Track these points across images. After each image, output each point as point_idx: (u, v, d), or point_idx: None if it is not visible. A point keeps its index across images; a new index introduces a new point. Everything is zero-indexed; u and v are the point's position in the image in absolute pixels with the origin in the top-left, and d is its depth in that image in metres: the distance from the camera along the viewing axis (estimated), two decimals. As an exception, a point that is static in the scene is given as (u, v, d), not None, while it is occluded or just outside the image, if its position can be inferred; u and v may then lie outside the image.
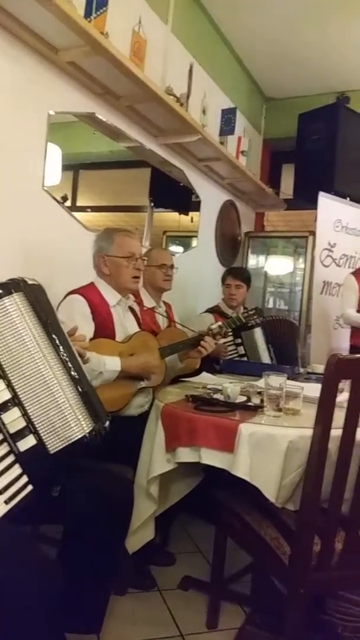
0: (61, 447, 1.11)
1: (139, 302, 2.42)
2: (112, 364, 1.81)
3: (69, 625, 1.43)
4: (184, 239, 3.72)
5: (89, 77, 2.33)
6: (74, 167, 2.52)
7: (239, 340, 2.82)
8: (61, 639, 1.37)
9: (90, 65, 2.24)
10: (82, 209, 2.56)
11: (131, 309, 2.16)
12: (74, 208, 2.46)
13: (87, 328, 1.82)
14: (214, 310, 3.06)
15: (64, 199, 2.36)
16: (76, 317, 1.80)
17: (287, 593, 1.35)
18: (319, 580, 1.34)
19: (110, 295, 2.01)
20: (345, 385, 1.27)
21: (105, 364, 1.78)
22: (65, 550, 1.44)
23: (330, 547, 1.32)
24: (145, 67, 2.50)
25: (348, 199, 4.07)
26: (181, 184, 3.42)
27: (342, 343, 3.77)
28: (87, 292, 1.95)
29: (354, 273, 3.51)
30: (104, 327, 1.92)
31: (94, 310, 1.91)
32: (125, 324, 2.05)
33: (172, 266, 2.58)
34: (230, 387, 1.72)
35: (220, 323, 2.35)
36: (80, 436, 1.13)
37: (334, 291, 3.96)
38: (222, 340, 2.73)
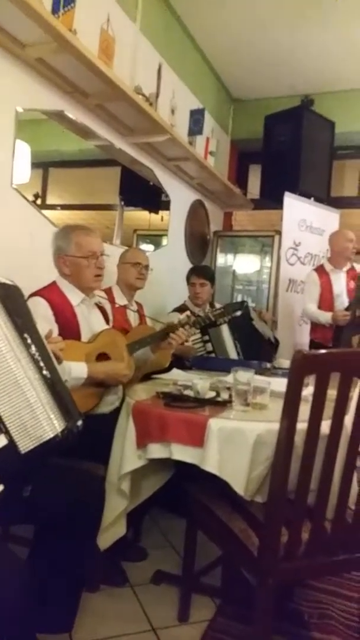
0: (33, 446, 1.10)
1: (111, 300, 2.42)
2: (78, 371, 1.76)
3: (40, 625, 1.43)
4: (155, 238, 3.73)
5: (57, 74, 2.32)
6: (43, 165, 2.50)
7: (206, 337, 2.85)
8: (32, 639, 1.37)
9: (59, 62, 2.23)
10: (52, 207, 2.54)
11: (98, 306, 2.14)
12: (44, 206, 2.44)
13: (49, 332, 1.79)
14: (181, 309, 3.09)
15: (36, 197, 2.34)
16: (38, 321, 1.76)
17: (256, 583, 1.38)
18: (287, 570, 1.37)
19: (73, 295, 1.96)
20: (310, 380, 1.31)
21: (71, 372, 1.72)
22: (36, 550, 1.44)
23: (297, 538, 1.36)
24: (114, 66, 2.50)
25: (312, 199, 4.17)
26: (151, 183, 3.43)
27: (307, 339, 3.85)
28: (49, 292, 1.90)
29: (316, 269, 3.58)
30: (68, 328, 1.87)
31: (56, 311, 1.85)
32: (91, 323, 2.01)
33: (147, 266, 2.61)
34: (200, 383, 1.75)
35: (187, 313, 2.39)
36: (52, 435, 1.13)
37: (299, 289, 4.06)
38: (191, 338, 2.76)
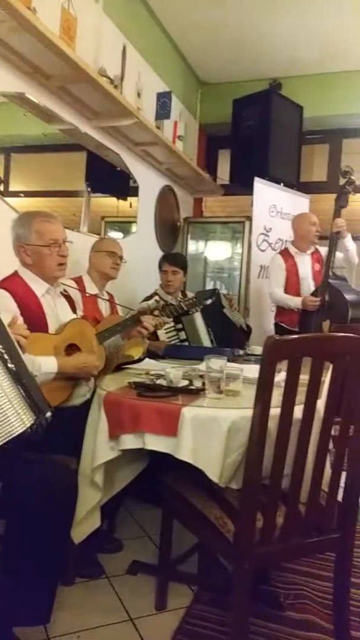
0: (1, 442, 1.07)
1: (82, 289, 2.37)
2: (47, 365, 1.70)
3: (16, 619, 1.42)
4: (123, 225, 3.67)
5: (16, 54, 2.23)
6: (5, 150, 2.41)
7: (179, 326, 2.84)
8: (8, 633, 1.34)
9: (18, 42, 2.13)
10: (15, 194, 2.46)
11: (65, 295, 2.07)
12: (6, 193, 2.35)
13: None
14: (152, 298, 3.06)
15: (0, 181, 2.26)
16: (1, 315, 1.71)
17: (233, 569, 1.39)
18: (263, 554, 1.38)
19: (37, 285, 1.89)
20: (282, 366, 1.31)
21: (40, 367, 1.67)
22: (9, 545, 1.41)
23: (272, 522, 1.37)
24: (77, 47, 2.42)
25: (282, 184, 4.17)
26: (118, 169, 3.36)
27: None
28: (11, 284, 1.83)
29: (281, 253, 3.55)
30: (34, 320, 1.79)
31: (20, 303, 1.78)
32: (57, 313, 1.94)
33: (121, 257, 2.57)
34: (173, 372, 1.73)
35: (156, 298, 2.35)
36: (21, 431, 1.11)
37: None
38: (164, 327, 2.74)
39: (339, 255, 3.30)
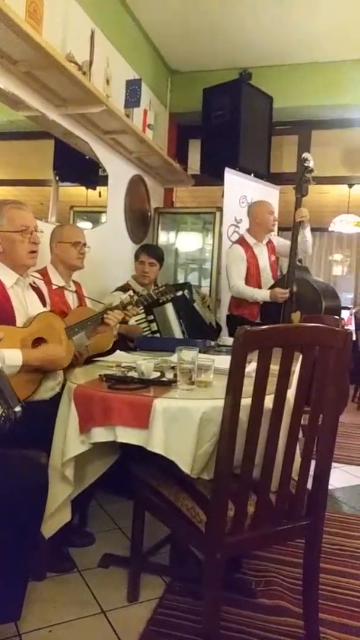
0: None
1: (47, 282, 2.32)
2: (12, 358, 1.65)
3: None
4: (93, 215, 3.61)
5: (-20, 37, 2.15)
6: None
7: (151, 317, 2.82)
8: None
9: (-19, 24, 2.06)
10: (-20, 182, 2.39)
11: (34, 287, 2.04)
12: (-30, 181, 2.29)
13: None
14: (125, 288, 3.03)
15: None
16: None
17: (205, 558, 1.40)
18: (234, 543, 1.40)
19: (6, 276, 1.85)
20: (253, 356, 1.31)
21: (4, 359, 1.62)
22: None
23: (243, 511, 1.38)
24: (43, 31, 2.35)
25: (252, 175, 4.18)
26: (87, 157, 3.30)
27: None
28: None
29: (239, 243, 3.47)
30: (1, 312, 1.77)
31: None
32: (26, 305, 1.90)
33: (85, 244, 2.50)
34: (144, 363, 1.72)
35: (130, 292, 2.32)
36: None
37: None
38: (135, 318, 2.72)
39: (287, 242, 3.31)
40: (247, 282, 3.38)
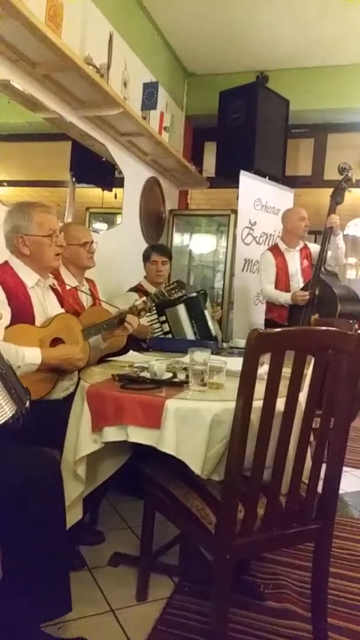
0: None
1: (61, 283, 2.34)
2: (31, 356, 1.69)
3: (38, 617, 1.40)
4: (108, 216, 3.64)
5: (1, 41, 2.19)
6: (-13, 138, 2.37)
7: (163, 318, 2.83)
8: (37, 632, 1.34)
9: (3, 28, 2.10)
10: (-2, 183, 2.43)
11: (53, 289, 2.07)
12: (-12, 182, 2.32)
13: (3, 315, 1.69)
14: (137, 289, 3.05)
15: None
16: None
17: (214, 560, 1.40)
18: (244, 545, 1.40)
19: (28, 276, 1.88)
20: (265, 359, 1.32)
21: (24, 357, 1.66)
22: (7, 542, 1.39)
23: (253, 513, 1.38)
24: (63, 34, 2.38)
25: (267, 178, 4.18)
26: (103, 159, 3.33)
27: (262, 318, 3.91)
28: (2, 273, 1.81)
29: (271, 249, 3.60)
30: (22, 311, 1.80)
31: (9, 294, 1.77)
32: (45, 306, 1.93)
33: (92, 241, 2.51)
34: (157, 364, 1.73)
35: (144, 299, 2.34)
36: (3, 421, 1.11)
37: (254, 268, 4.09)
38: (147, 319, 2.73)
39: (328, 253, 3.32)
40: (276, 286, 3.48)
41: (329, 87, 4.29)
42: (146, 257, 3.17)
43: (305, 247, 3.59)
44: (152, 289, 3.05)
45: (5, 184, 2.51)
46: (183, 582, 1.81)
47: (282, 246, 3.57)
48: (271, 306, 3.57)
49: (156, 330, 2.84)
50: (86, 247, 2.42)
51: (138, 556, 1.81)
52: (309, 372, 1.48)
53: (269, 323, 3.55)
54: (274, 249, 3.58)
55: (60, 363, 1.80)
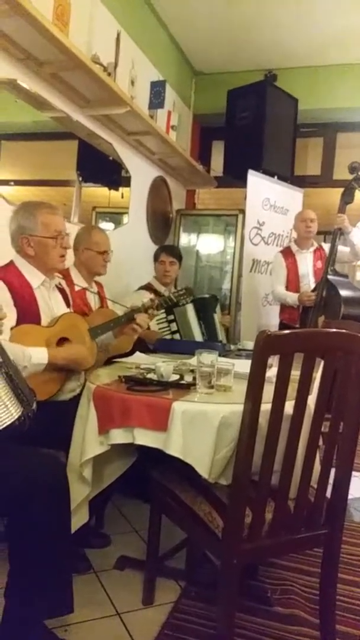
0: None
1: (69, 283, 2.33)
2: (38, 357, 1.68)
3: (41, 612, 1.40)
4: (115, 216, 3.63)
5: (8, 40, 2.18)
6: (-6, 137, 2.36)
7: (171, 317, 2.82)
8: (38, 626, 1.36)
9: (10, 26, 2.09)
10: (5, 182, 2.41)
11: (59, 289, 2.05)
12: (-5, 181, 2.31)
13: (8, 316, 1.68)
14: (147, 288, 3.05)
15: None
16: None
17: (221, 564, 1.38)
18: (251, 550, 1.38)
19: (33, 276, 1.87)
20: (274, 361, 1.29)
21: (31, 357, 1.65)
22: (13, 541, 1.39)
23: (261, 518, 1.36)
24: (70, 33, 2.37)
25: (276, 177, 4.15)
26: (110, 158, 3.32)
27: (271, 320, 3.90)
28: (7, 274, 1.80)
29: (282, 252, 3.62)
30: (27, 312, 1.79)
31: (14, 294, 1.76)
32: (51, 306, 1.92)
33: (110, 251, 2.51)
34: (163, 366, 1.71)
35: (152, 296, 2.34)
36: (9, 422, 1.10)
37: (262, 269, 4.06)
38: (155, 319, 2.72)
39: (345, 249, 3.31)
40: (288, 288, 3.50)
41: (338, 86, 4.26)
42: (156, 257, 3.21)
43: (320, 248, 3.57)
44: (161, 288, 3.07)
45: (12, 183, 2.50)
46: (190, 587, 1.80)
47: (294, 248, 3.59)
48: (284, 307, 3.60)
49: (164, 329, 2.82)
50: (103, 255, 2.42)
51: (144, 560, 1.79)
52: (318, 375, 1.45)
53: (282, 325, 3.60)
54: (286, 251, 3.62)
55: (67, 363, 1.80)
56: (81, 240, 2.45)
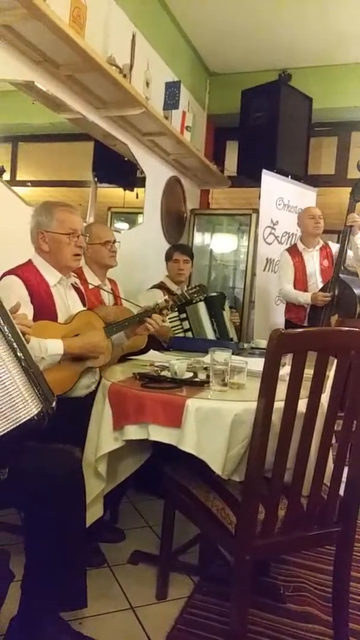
0: (9, 429, 1.08)
1: (83, 281, 2.36)
2: (53, 348, 1.73)
3: (54, 603, 1.43)
4: (130, 216, 3.66)
5: (26, 43, 2.22)
6: (12, 139, 2.40)
7: (183, 315, 2.83)
8: (54, 615, 1.39)
9: (28, 30, 2.13)
10: (22, 183, 2.45)
11: (75, 287, 2.09)
12: (13, 182, 2.35)
13: (25, 312, 1.72)
14: (160, 287, 3.08)
15: (2, 171, 2.25)
16: (12, 301, 1.71)
17: (234, 560, 1.39)
18: (264, 546, 1.39)
19: (50, 274, 1.91)
20: (287, 359, 1.30)
21: (47, 349, 1.70)
22: (29, 533, 1.42)
23: (274, 515, 1.37)
24: (86, 35, 2.40)
25: (289, 177, 4.14)
26: (125, 159, 3.35)
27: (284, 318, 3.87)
28: (25, 272, 1.85)
29: (289, 249, 3.56)
30: (44, 309, 1.83)
31: (32, 291, 1.81)
32: (67, 304, 1.96)
33: (115, 240, 2.54)
34: (177, 363, 1.73)
35: (166, 297, 2.36)
36: (28, 418, 1.12)
37: (276, 268, 4.05)
38: (168, 318, 2.74)
39: (349, 253, 3.28)
40: (295, 286, 3.45)
41: (353, 85, 4.23)
42: (168, 256, 3.21)
43: (326, 246, 3.53)
44: (174, 287, 3.09)
45: (29, 184, 2.55)
46: (202, 582, 1.81)
47: (300, 246, 3.53)
48: (290, 306, 3.53)
49: (176, 327, 2.84)
50: (107, 246, 2.44)
51: (158, 555, 1.82)
52: (331, 373, 1.46)
53: (287, 323, 3.53)
54: (292, 249, 3.55)
55: (83, 352, 1.84)
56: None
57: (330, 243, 3.57)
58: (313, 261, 3.49)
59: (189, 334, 2.78)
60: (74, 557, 1.44)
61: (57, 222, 1.91)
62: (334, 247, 3.54)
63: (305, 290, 3.41)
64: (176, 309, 2.75)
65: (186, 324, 2.84)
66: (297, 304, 3.43)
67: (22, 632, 1.40)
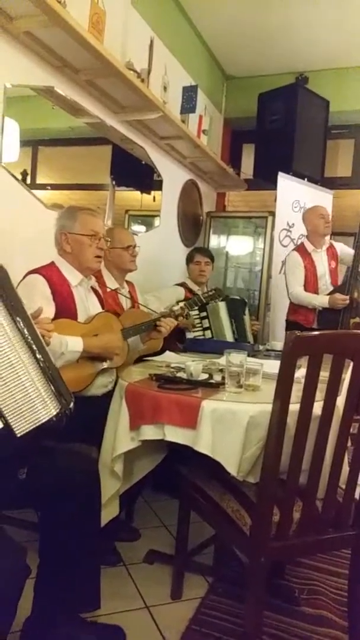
0: (28, 429, 1.09)
1: (102, 284, 2.39)
2: (74, 344, 1.79)
3: (69, 605, 1.44)
4: (147, 219, 3.69)
5: (46, 48, 2.26)
6: (32, 143, 2.44)
7: (204, 314, 2.84)
8: (73, 615, 1.39)
9: (48, 36, 2.17)
10: (42, 186, 2.50)
11: (94, 290, 2.13)
12: (33, 185, 2.39)
13: (47, 309, 1.77)
14: (182, 285, 3.18)
15: (24, 174, 2.29)
16: (36, 298, 1.76)
17: (248, 562, 1.40)
18: (279, 548, 1.39)
19: (72, 275, 1.98)
20: (302, 362, 1.31)
21: (67, 345, 1.76)
22: (44, 533, 1.44)
23: (289, 517, 1.37)
24: (105, 40, 2.43)
25: (306, 179, 4.13)
26: (143, 162, 3.38)
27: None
28: (48, 271, 1.90)
29: (297, 250, 3.43)
30: (65, 308, 1.89)
31: (54, 290, 1.87)
32: (87, 305, 2.02)
33: (135, 245, 2.56)
34: (193, 365, 1.75)
35: (182, 304, 2.40)
36: (47, 418, 1.12)
37: (290, 271, 4.02)
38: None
39: (351, 252, 3.24)
40: (305, 288, 3.34)
41: (371, 87, 4.21)
42: (190, 259, 3.28)
43: (331, 246, 3.44)
44: (195, 288, 3.17)
45: (49, 187, 2.59)
46: (217, 583, 1.82)
47: (309, 247, 3.39)
48: (297, 308, 3.36)
49: (196, 325, 2.86)
50: (129, 251, 2.48)
51: (173, 555, 1.83)
52: (347, 376, 1.46)
53: (294, 326, 3.29)
54: (301, 250, 3.41)
55: (100, 351, 1.90)
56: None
57: (334, 243, 3.48)
58: (322, 262, 3.39)
59: (208, 333, 2.79)
60: (87, 557, 1.45)
61: (79, 225, 1.97)
62: (339, 247, 3.48)
63: (315, 293, 3.30)
64: (197, 307, 2.77)
65: (206, 322, 2.86)
66: (310, 307, 3.29)
67: (37, 634, 1.41)
